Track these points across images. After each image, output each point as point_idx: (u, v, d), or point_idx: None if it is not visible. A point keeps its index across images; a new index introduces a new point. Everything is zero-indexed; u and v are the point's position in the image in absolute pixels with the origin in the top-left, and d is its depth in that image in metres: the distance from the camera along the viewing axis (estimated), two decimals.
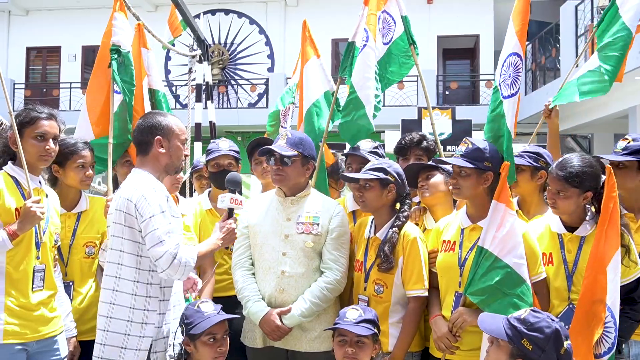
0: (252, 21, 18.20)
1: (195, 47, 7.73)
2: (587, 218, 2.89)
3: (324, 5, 17.11)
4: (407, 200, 3.16)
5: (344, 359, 2.73)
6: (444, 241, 3.01)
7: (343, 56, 4.04)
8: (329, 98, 4.18)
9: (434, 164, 3.25)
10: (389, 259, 2.98)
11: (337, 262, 3.09)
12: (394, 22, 4.01)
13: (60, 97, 17.99)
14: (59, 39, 18.43)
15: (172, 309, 2.79)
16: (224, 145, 3.83)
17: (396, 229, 3.03)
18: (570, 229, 2.91)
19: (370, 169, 3.12)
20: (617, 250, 2.69)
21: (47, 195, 2.97)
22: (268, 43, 18.11)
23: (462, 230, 2.94)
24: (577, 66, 4.27)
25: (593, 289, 2.63)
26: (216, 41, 18.02)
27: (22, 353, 2.75)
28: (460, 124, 12.11)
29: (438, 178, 3.32)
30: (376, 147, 3.75)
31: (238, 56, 18.21)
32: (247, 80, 17.98)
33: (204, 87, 7.54)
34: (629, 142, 3.17)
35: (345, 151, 4.04)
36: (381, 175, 3.06)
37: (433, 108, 10.35)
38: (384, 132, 12.63)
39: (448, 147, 10.26)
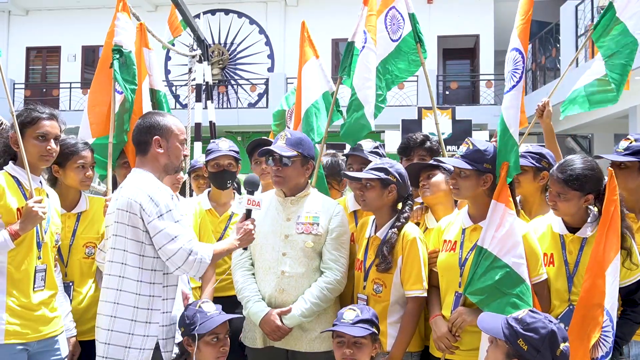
0: (252, 21, 18.20)
1: (195, 47, 7.73)
2: (589, 219, 2.89)
3: (324, 5, 17.11)
4: (409, 201, 3.16)
5: None
6: (445, 241, 3.01)
7: (343, 56, 4.05)
8: (328, 98, 4.19)
9: (434, 163, 3.25)
10: (387, 259, 2.99)
11: (337, 262, 3.09)
12: (403, 20, 4.02)
13: (60, 97, 17.99)
14: (59, 39, 18.43)
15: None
16: (224, 146, 3.83)
17: (395, 230, 3.03)
18: (572, 229, 2.90)
19: (372, 169, 3.12)
20: (617, 255, 2.68)
21: (47, 195, 2.98)
22: (268, 43, 18.12)
23: (464, 230, 2.93)
24: (577, 66, 4.27)
25: (591, 293, 2.62)
26: (216, 41, 18.02)
27: (23, 353, 2.75)
28: (460, 124, 12.12)
29: (439, 177, 3.32)
30: (376, 147, 3.76)
31: (238, 56, 18.21)
32: (247, 80, 17.98)
33: (204, 87, 7.54)
34: (631, 142, 3.16)
35: (346, 151, 4.05)
36: (382, 175, 3.06)
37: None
38: (384, 132, 12.63)
39: (448, 147, 10.24)
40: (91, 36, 17.90)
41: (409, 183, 3.18)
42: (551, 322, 2.30)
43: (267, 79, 17.46)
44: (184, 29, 7.49)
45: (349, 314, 2.75)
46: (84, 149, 3.28)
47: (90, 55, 18.87)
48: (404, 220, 3.07)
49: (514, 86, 2.90)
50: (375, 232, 3.13)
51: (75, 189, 3.33)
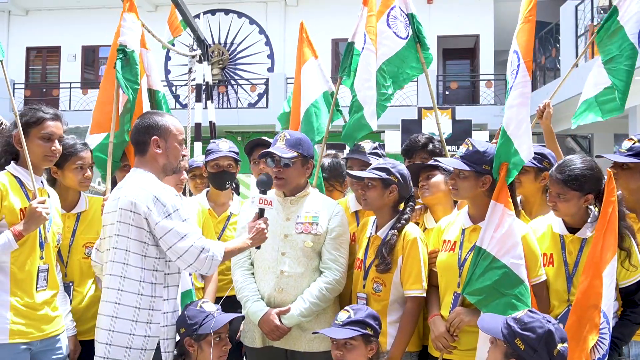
0: (252, 21, 18.20)
1: (195, 47, 7.74)
2: (590, 220, 2.88)
3: (324, 5, 17.11)
4: (411, 202, 3.16)
5: None
6: (444, 241, 3.01)
7: (343, 56, 4.05)
8: (327, 98, 4.20)
9: (434, 164, 3.25)
10: (386, 260, 2.99)
11: (336, 262, 3.09)
12: (407, 18, 4.02)
13: (60, 97, 17.98)
14: (58, 39, 18.42)
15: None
16: (225, 147, 3.84)
17: (395, 231, 3.03)
18: (572, 230, 2.90)
19: (374, 168, 3.13)
20: (614, 256, 2.67)
21: (48, 195, 2.98)
22: (268, 43, 18.11)
23: (463, 230, 2.94)
24: (577, 67, 4.27)
25: (588, 294, 2.61)
26: (216, 41, 18.02)
27: (27, 352, 2.76)
28: (460, 124, 12.11)
29: (439, 178, 3.32)
30: (375, 148, 3.76)
31: (238, 56, 18.21)
32: (247, 80, 17.98)
33: (204, 87, 7.55)
34: (634, 143, 3.14)
35: (346, 151, 4.05)
36: (384, 175, 3.07)
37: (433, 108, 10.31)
38: (384, 132, 12.62)
39: (448, 148, 10.22)
40: (91, 36, 17.92)
41: (411, 184, 3.19)
42: (549, 322, 2.30)
43: (267, 79, 17.45)
44: (184, 29, 7.49)
45: (342, 315, 2.75)
46: (83, 149, 3.27)
47: (90, 55, 18.88)
48: (404, 222, 3.07)
49: (511, 87, 2.90)
50: (376, 232, 3.13)
51: (75, 190, 3.33)
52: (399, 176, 3.09)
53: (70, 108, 16.98)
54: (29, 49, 18.83)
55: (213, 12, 18.05)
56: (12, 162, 2.89)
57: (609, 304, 2.65)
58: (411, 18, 3.99)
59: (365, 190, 3.12)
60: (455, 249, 2.92)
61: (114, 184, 3.60)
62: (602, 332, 2.61)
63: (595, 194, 2.84)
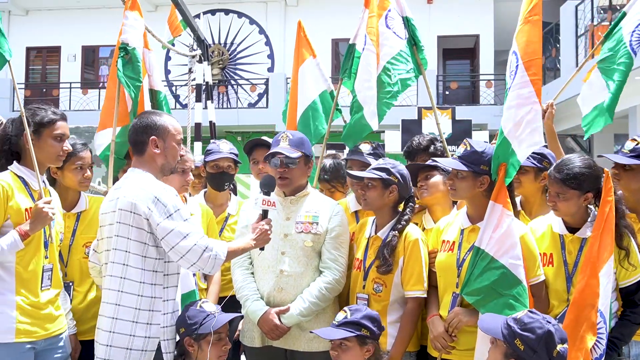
0: (252, 21, 18.20)
1: (195, 47, 7.74)
2: (590, 219, 2.88)
3: (324, 5, 17.10)
4: (410, 203, 3.16)
5: None
6: (443, 241, 3.01)
7: (344, 58, 4.06)
8: (326, 98, 4.20)
9: (432, 164, 3.25)
10: (388, 262, 2.99)
11: (336, 262, 3.09)
12: (403, 20, 4.03)
13: (60, 97, 17.99)
14: (58, 39, 18.43)
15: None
16: (225, 148, 3.84)
17: (396, 232, 3.04)
18: (572, 230, 2.90)
19: (374, 168, 3.13)
20: (611, 256, 2.67)
21: (50, 195, 2.98)
22: (268, 43, 18.11)
23: (462, 230, 2.94)
24: (576, 66, 4.26)
25: (585, 294, 2.61)
26: (216, 41, 18.02)
27: (31, 352, 2.76)
28: (460, 124, 12.10)
29: (437, 178, 3.32)
30: (375, 148, 3.76)
31: (238, 56, 18.21)
32: (247, 80, 17.98)
33: (204, 87, 7.55)
34: (637, 144, 3.13)
35: (346, 151, 4.05)
36: (384, 175, 3.07)
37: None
38: (384, 132, 12.62)
39: (447, 148, 10.21)
40: (91, 36, 17.93)
41: (410, 184, 3.19)
42: (549, 322, 2.30)
43: (267, 79, 17.45)
44: (184, 29, 7.50)
45: (339, 315, 2.74)
46: (83, 149, 3.27)
47: (90, 55, 18.88)
48: (404, 223, 3.07)
49: (509, 88, 2.90)
50: (375, 232, 3.13)
51: (75, 190, 3.33)
52: (399, 176, 3.10)
53: (70, 108, 16.98)
54: (29, 49, 18.84)
55: (213, 12, 18.05)
56: (14, 162, 2.89)
57: (605, 303, 2.65)
58: (406, 21, 3.99)
59: (365, 190, 3.12)
60: (454, 249, 2.92)
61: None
62: (599, 331, 2.61)
63: (595, 193, 2.84)
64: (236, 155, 3.87)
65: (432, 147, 3.68)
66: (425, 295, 2.99)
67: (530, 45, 2.91)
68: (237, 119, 16.59)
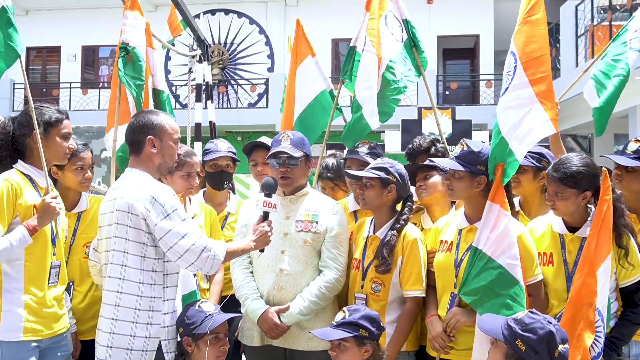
0: (252, 21, 18.20)
1: (195, 47, 7.74)
2: (590, 219, 2.87)
3: (323, 5, 17.10)
4: (409, 203, 3.16)
5: None
6: (441, 241, 3.02)
7: (344, 60, 4.07)
8: (326, 97, 4.20)
9: (431, 164, 3.25)
10: (387, 261, 2.99)
11: (335, 261, 3.10)
12: (401, 24, 4.05)
13: (60, 97, 17.98)
14: (58, 39, 18.43)
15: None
16: (223, 147, 3.84)
17: (395, 232, 3.04)
18: (572, 229, 2.90)
19: (372, 168, 3.14)
20: (609, 255, 2.66)
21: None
22: (268, 43, 18.11)
23: (460, 231, 2.94)
24: (576, 66, 4.25)
25: (582, 292, 2.60)
26: (216, 41, 18.02)
27: (36, 350, 2.77)
28: (460, 124, 12.10)
29: (436, 178, 3.33)
30: (373, 148, 3.77)
31: (238, 56, 18.21)
32: (247, 80, 17.98)
33: (204, 87, 7.54)
34: None
35: (345, 151, 4.06)
36: (382, 174, 3.07)
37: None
38: (384, 132, 12.62)
39: (448, 148, 10.19)
40: (91, 36, 17.92)
41: (409, 184, 3.19)
42: (550, 323, 2.30)
43: (267, 79, 17.45)
44: (184, 29, 7.50)
45: (338, 315, 2.74)
46: (83, 150, 3.28)
47: (90, 55, 18.88)
48: (403, 222, 3.08)
49: (507, 88, 2.89)
50: (374, 232, 3.13)
51: (75, 190, 3.33)
52: (397, 176, 3.10)
53: (70, 108, 16.97)
54: (29, 49, 18.78)
55: (213, 12, 18.05)
56: (19, 161, 2.89)
57: (603, 302, 2.65)
58: (406, 24, 4.01)
59: (364, 189, 3.12)
60: (452, 249, 2.92)
61: None
62: (597, 330, 2.61)
63: (593, 192, 2.84)
64: (234, 153, 3.87)
65: (432, 149, 3.68)
66: (423, 295, 2.99)
67: (529, 45, 2.91)
68: (237, 119, 16.59)
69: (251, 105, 17.67)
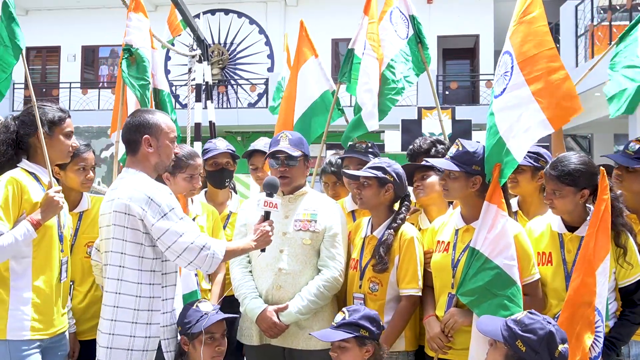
0: (252, 21, 18.20)
1: (195, 47, 7.72)
2: (589, 218, 2.87)
3: (323, 5, 17.10)
4: (406, 202, 3.16)
5: None
6: (438, 241, 3.02)
7: (343, 62, 4.10)
8: (328, 97, 4.21)
9: (427, 164, 3.25)
10: (384, 260, 2.99)
11: (334, 260, 3.10)
12: (407, 20, 4.08)
13: (59, 97, 17.98)
14: (58, 38, 18.42)
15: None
16: (222, 145, 3.84)
17: (392, 230, 3.04)
18: (572, 228, 2.90)
19: (370, 167, 3.14)
20: (608, 255, 2.66)
21: None
22: (268, 43, 18.11)
23: (456, 231, 2.94)
24: (576, 66, 4.25)
25: (580, 292, 2.60)
26: (216, 41, 18.02)
27: (39, 349, 2.78)
28: (460, 124, 12.09)
29: (433, 179, 3.32)
30: (370, 147, 3.78)
31: (238, 56, 18.21)
32: (247, 80, 17.98)
33: (203, 87, 7.53)
34: None
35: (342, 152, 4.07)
36: (379, 174, 3.07)
37: (433, 108, 10.36)
38: (383, 132, 12.61)
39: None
40: (91, 36, 17.91)
41: (406, 183, 3.19)
42: (549, 323, 2.30)
43: (267, 79, 17.44)
44: (184, 29, 7.49)
45: (338, 316, 2.74)
46: (86, 150, 3.28)
47: (89, 55, 18.87)
48: (400, 222, 3.08)
49: (504, 89, 2.89)
50: (371, 232, 3.14)
51: (77, 190, 3.33)
52: (394, 175, 3.10)
53: (70, 108, 16.95)
54: (28, 49, 18.77)
55: (213, 12, 18.04)
56: (23, 159, 2.89)
57: (603, 302, 2.65)
58: (412, 19, 4.05)
59: (361, 189, 3.13)
60: (449, 249, 2.93)
61: None
62: (597, 330, 2.61)
63: (592, 190, 2.84)
64: (233, 151, 3.87)
65: (433, 150, 3.66)
66: (419, 294, 3.00)
67: (524, 44, 2.90)
68: (237, 118, 16.59)
69: (251, 105, 17.66)
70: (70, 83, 18.04)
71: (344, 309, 2.77)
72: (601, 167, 2.75)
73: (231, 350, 3.06)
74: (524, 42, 2.91)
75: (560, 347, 2.26)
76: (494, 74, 3.11)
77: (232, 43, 18.20)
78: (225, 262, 3.37)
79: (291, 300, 3.03)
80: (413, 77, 4.09)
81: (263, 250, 2.87)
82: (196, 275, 3.17)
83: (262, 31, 18.14)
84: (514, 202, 3.34)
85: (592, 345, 2.61)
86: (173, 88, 17.59)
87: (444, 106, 13.11)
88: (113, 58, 18.38)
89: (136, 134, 2.73)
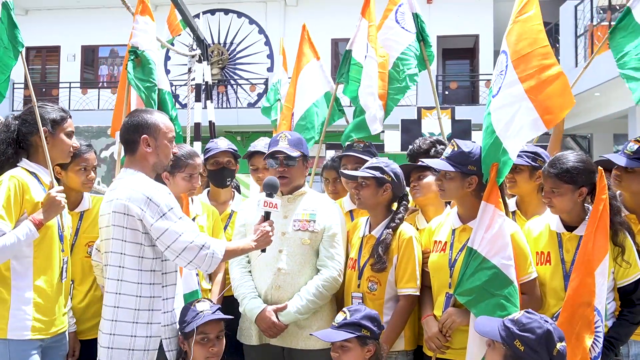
0: (252, 21, 18.19)
1: (194, 46, 7.73)
2: (587, 217, 2.87)
3: (323, 5, 17.10)
4: (404, 202, 3.17)
5: None
6: (435, 241, 3.02)
7: (341, 63, 4.11)
8: (329, 99, 4.23)
9: (424, 164, 3.25)
10: (382, 259, 2.99)
11: (333, 260, 3.10)
12: (412, 17, 4.12)
13: (59, 97, 17.97)
14: (58, 38, 18.41)
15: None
16: (223, 144, 3.85)
17: (390, 230, 3.04)
18: (570, 228, 2.90)
19: (367, 167, 3.15)
20: (607, 255, 2.66)
21: None
22: (267, 43, 18.10)
23: (453, 231, 2.94)
24: (575, 66, 4.25)
25: (580, 292, 2.60)
26: (216, 41, 18.01)
27: (40, 349, 2.78)
28: (459, 124, 12.09)
29: (430, 179, 3.33)
30: (368, 147, 3.79)
31: (237, 56, 18.21)
32: (247, 80, 17.98)
33: (203, 86, 7.53)
34: None
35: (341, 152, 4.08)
36: (377, 174, 3.08)
37: (433, 108, 10.36)
38: (383, 132, 12.60)
39: None
40: (91, 36, 17.91)
41: (404, 183, 3.20)
42: (547, 322, 2.30)
43: (267, 79, 17.44)
44: (184, 29, 7.49)
45: (339, 316, 2.74)
46: (87, 151, 3.29)
47: (89, 55, 18.87)
48: (398, 221, 3.08)
49: (500, 87, 2.89)
50: (369, 231, 3.14)
51: (78, 190, 3.33)
52: (392, 175, 3.10)
53: (69, 108, 16.95)
54: (28, 49, 18.79)
55: (212, 12, 18.04)
56: (23, 159, 2.90)
57: (602, 302, 2.65)
58: (416, 17, 4.07)
59: (359, 189, 3.13)
60: (446, 249, 2.93)
61: None
62: (597, 330, 2.61)
63: (590, 189, 2.84)
64: (235, 150, 3.87)
65: (432, 150, 3.66)
66: (417, 293, 3.00)
67: (518, 43, 2.90)
68: (237, 118, 16.59)
69: (251, 105, 17.66)
70: (70, 83, 18.04)
71: (344, 309, 2.77)
72: (600, 168, 2.76)
73: (232, 347, 3.05)
74: (519, 40, 2.91)
75: (559, 346, 2.26)
76: (493, 74, 3.12)
77: (231, 43, 18.20)
78: (225, 262, 3.37)
79: (290, 300, 3.03)
80: (416, 75, 4.11)
81: (263, 250, 2.86)
82: (197, 275, 3.17)
83: (261, 31, 18.14)
84: (512, 202, 3.34)
85: (592, 345, 2.61)
86: (173, 88, 17.57)
87: (444, 106, 13.12)
88: (113, 58, 18.38)
89: (134, 134, 2.72)
